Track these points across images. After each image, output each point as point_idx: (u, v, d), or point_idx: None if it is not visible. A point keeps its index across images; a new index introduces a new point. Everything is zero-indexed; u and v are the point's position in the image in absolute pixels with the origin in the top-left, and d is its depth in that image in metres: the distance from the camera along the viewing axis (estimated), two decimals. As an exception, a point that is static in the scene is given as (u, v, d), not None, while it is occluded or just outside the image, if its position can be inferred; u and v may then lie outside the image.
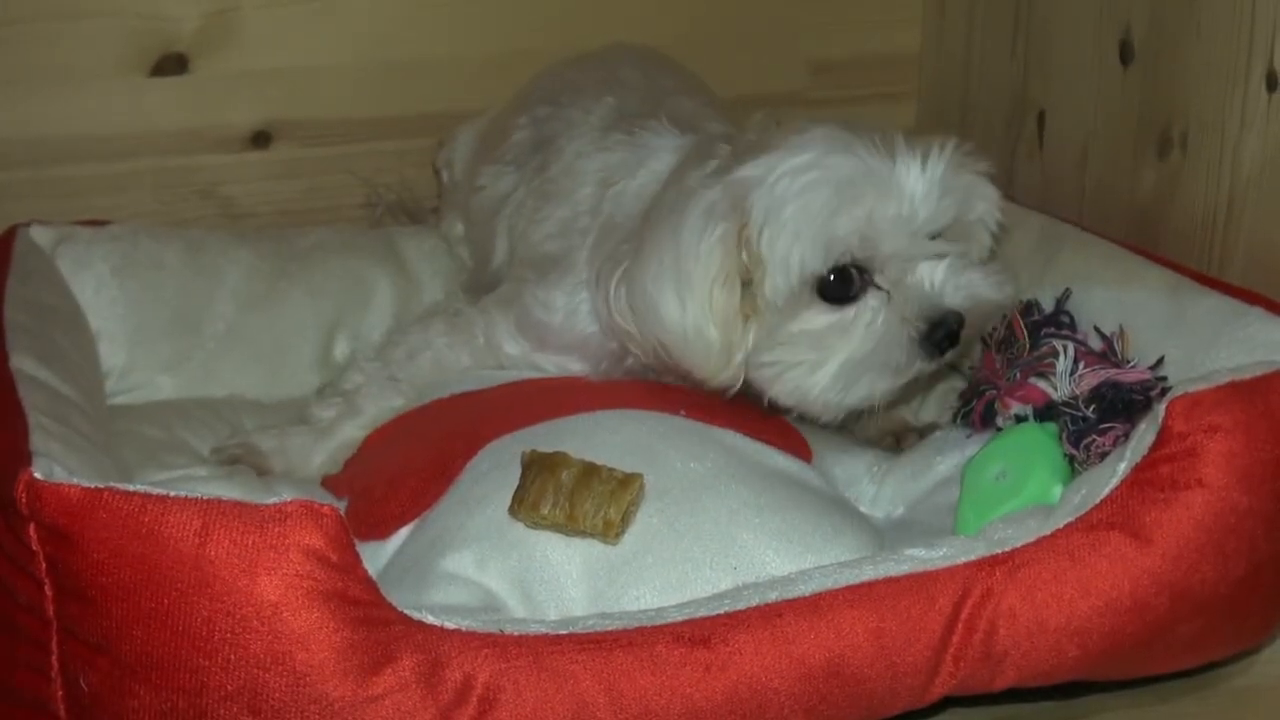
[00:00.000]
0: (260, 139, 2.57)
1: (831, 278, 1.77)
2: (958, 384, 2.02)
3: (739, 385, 1.82)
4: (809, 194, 1.75)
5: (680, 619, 1.45)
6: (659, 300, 1.77)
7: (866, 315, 1.78)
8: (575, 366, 1.98)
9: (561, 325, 1.96)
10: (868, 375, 1.78)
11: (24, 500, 1.33)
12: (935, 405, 2.08)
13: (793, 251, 1.75)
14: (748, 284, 1.78)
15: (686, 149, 1.95)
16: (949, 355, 1.82)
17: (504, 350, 2.01)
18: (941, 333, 1.78)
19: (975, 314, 1.82)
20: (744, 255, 1.77)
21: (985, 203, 1.86)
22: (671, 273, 1.76)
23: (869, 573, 1.49)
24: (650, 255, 1.79)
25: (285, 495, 1.35)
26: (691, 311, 1.76)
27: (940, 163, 1.77)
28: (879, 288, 1.78)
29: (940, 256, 1.80)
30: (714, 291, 1.76)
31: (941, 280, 1.79)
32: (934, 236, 1.80)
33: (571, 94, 2.20)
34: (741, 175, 1.78)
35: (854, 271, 1.77)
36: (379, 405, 1.98)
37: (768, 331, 1.78)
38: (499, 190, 2.21)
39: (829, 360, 1.78)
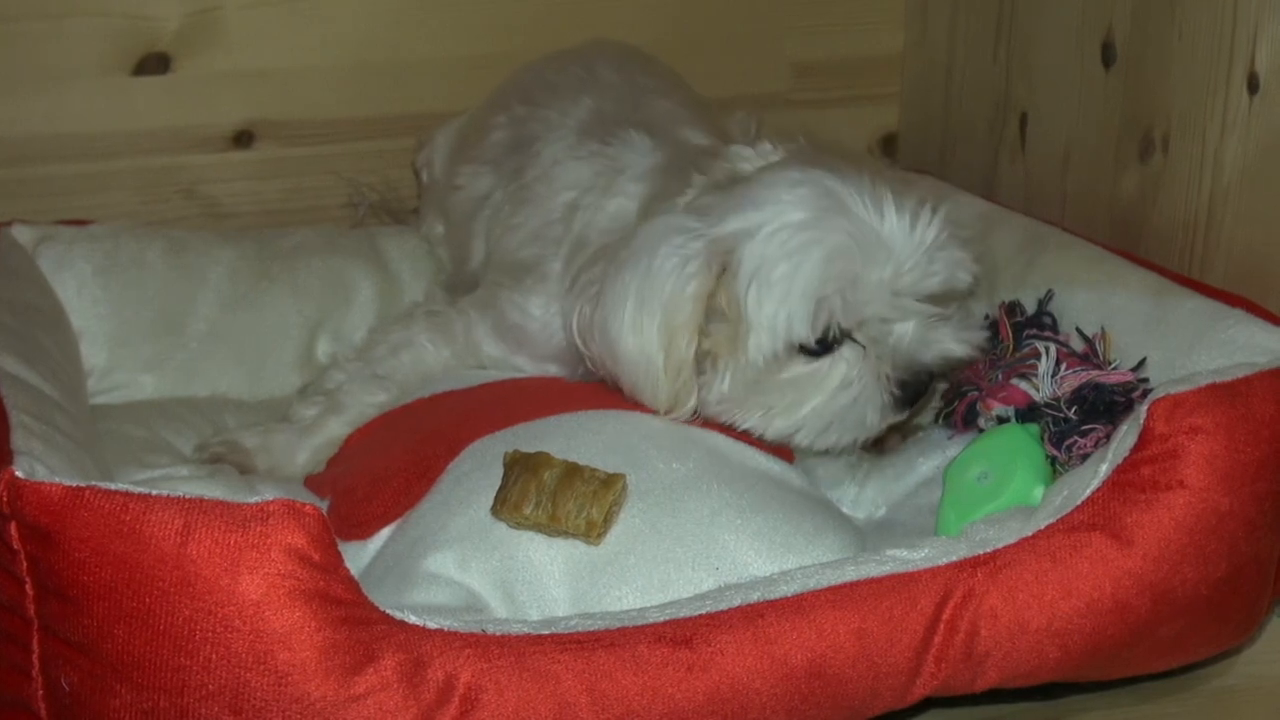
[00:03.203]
0: (243, 139, 2.57)
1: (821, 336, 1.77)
2: (940, 384, 2.02)
3: (689, 418, 1.80)
4: (800, 256, 1.73)
5: (662, 619, 1.45)
6: (618, 338, 1.77)
7: (841, 367, 1.78)
8: (554, 369, 1.98)
9: (538, 333, 1.96)
10: (839, 428, 1.79)
11: (5, 499, 1.32)
12: (917, 407, 2.09)
13: (779, 314, 1.74)
14: (718, 321, 1.78)
15: (659, 169, 1.95)
16: (916, 406, 1.83)
17: (483, 350, 2.01)
18: (913, 391, 1.79)
19: (946, 367, 1.84)
20: (723, 302, 1.76)
21: (967, 274, 1.84)
22: (634, 315, 1.75)
23: (851, 573, 1.49)
24: (616, 291, 1.77)
25: (267, 494, 1.35)
26: (647, 357, 1.76)
27: (930, 228, 1.77)
28: (855, 341, 1.78)
29: (917, 315, 1.80)
30: (673, 343, 1.75)
31: (917, 338, 1.79)
32: (920, 299, 1.80)
33: (548, 93, 2.20)
34: (729, 230, 1.76)
35: (834, 328, 1.77)
36: (362, 402, 1.98)
37: (741, 377, 1.78)
38: (477, 190, 2.21)
39: (801, 406, 1.78)
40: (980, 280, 1.90)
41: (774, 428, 1.79)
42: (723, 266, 1.75)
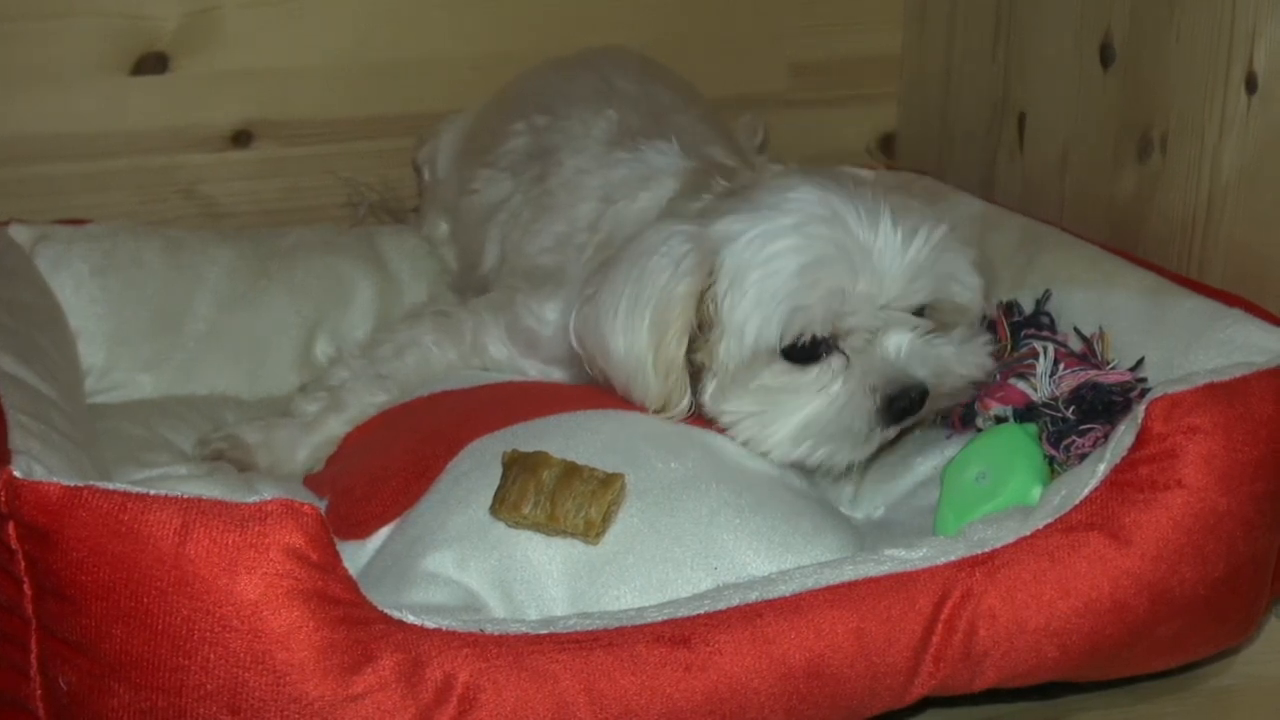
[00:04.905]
0: (241, 138, 2.57)
1: (795, 344, 1.75)
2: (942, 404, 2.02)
3: (684, 418, 1.80)
4: (774, 264, 1.73)
5: (661, 619, 1.45)
6: (609, 336, 1.77)
7: (826, 378, 1.77)
8: (559, 375, 1.98)
9: (551, 338, 1.96)
10: (827, 443, 1.77)
11: (3, 498, 1.32)
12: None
13: (750, 320, 1.74)
14: (706, 330, 1.78)
15: (688, 172, 1.96)
16: (907, 422, 1.80)
17: (489, 352, 2.01)
18: (901, 404, 1.77)
19: (943, 386, 1.80)
20: (710, 308, 1.76)
21: (967, 288, 1.84)
22: (625, 314, 1.76)
23: (849, 573, 1.49)
24: (611, 290, 1.78)
25: (266, 494, 1.35)
26: (636, 356, 1.76)
27: (924, 246, 1.76)
28: (843, 353, 1.77)
29: (911, 328, 1.78)
30: (662, 343, 1.75)
31: (907, 352, 1.78)
32: (916, 313, 1.79)
33: (568, 104, 2.20)
34: (718, 230, 1.77)
35: (821, 339, 1.76)
36: (363, 401, 1.98)
37: (725, 383, 1.78)
38: (493, 196, 2.20)
39: (785, 418, 1.77)
40: (986, 297, 1.88)
41: (767, 440, 1.77)
42: (710, 272, 1.76)
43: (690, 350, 1.78)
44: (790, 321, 1.73)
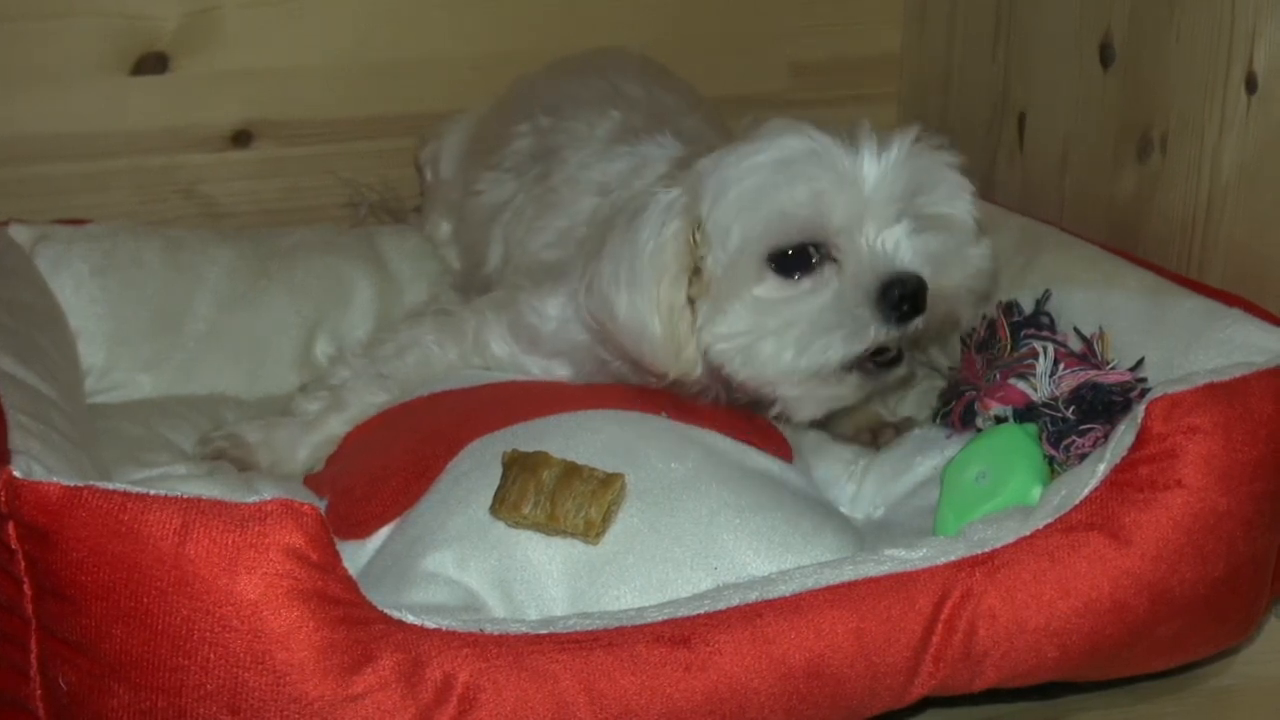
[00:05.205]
0: (241, 138, 2.57)
1: (788, 253, 1.76)
2: (938, 383, 2.02)
3: (697, 375, 1.81)
4: (753, 173, 1.76)
5: (660, 619, 1.45)
6: (613, 298, 1.79)
7: (819, 284, 1.77)
8: (561, 372, 1.98)
9: (554, 333, 1.96)
10: (822, 338, 1.75)
11: (3, 498, 1.32)
12: (912, 402, 2.09)
13: (735, 224, 1.76)
14: (699, 271, 1.79)
15: (684, 159, 1.96)
16: (913, 325, 1.77)
17: (491, 350, 2.01)
18: (897, 293, 1.74)
19: (941, 282, 1.79)
20: (695, 238, 1.78)
21: (951, 185, 1.84)
22: (626, 271, 1.78)
23: (849, 573, 1.49)
24: (609, 255, 1.80)
25: (265, 494, 1.35)
26: (639, 308, 1.77)
27: (900, 149, 1.77)
28: (834, 260, 1.77)
29: (900, 222, 1.78)
30: (660, 287, 1.77)
31: (896, 242, 1.77)
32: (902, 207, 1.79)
33: (573, 106, 2.21)
34: (698, 168, 1.81)
35: (810, 248, 1.76)
36: (364, 401, 1.98)
37: (718, 304, 1.78)
38: (498, 197, 2.21)
39: (781, 328, 1.77)
40: (975, 207, 1.87)
41: (761, 354, 1.77)
42: (695, 202, 1.78)
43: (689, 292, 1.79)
44: (772, 222, 1.75)
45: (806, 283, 1.77)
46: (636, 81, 2.28)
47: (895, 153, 1.77)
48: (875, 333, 1.76)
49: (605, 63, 2.38)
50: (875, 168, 1.76)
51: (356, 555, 1.67)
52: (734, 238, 1.76)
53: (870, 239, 1.76)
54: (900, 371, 1.83)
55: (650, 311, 1.77)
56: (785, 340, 1.76)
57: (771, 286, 1.77)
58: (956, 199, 1.85)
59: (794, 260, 1.77)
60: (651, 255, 1.77)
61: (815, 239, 1.76)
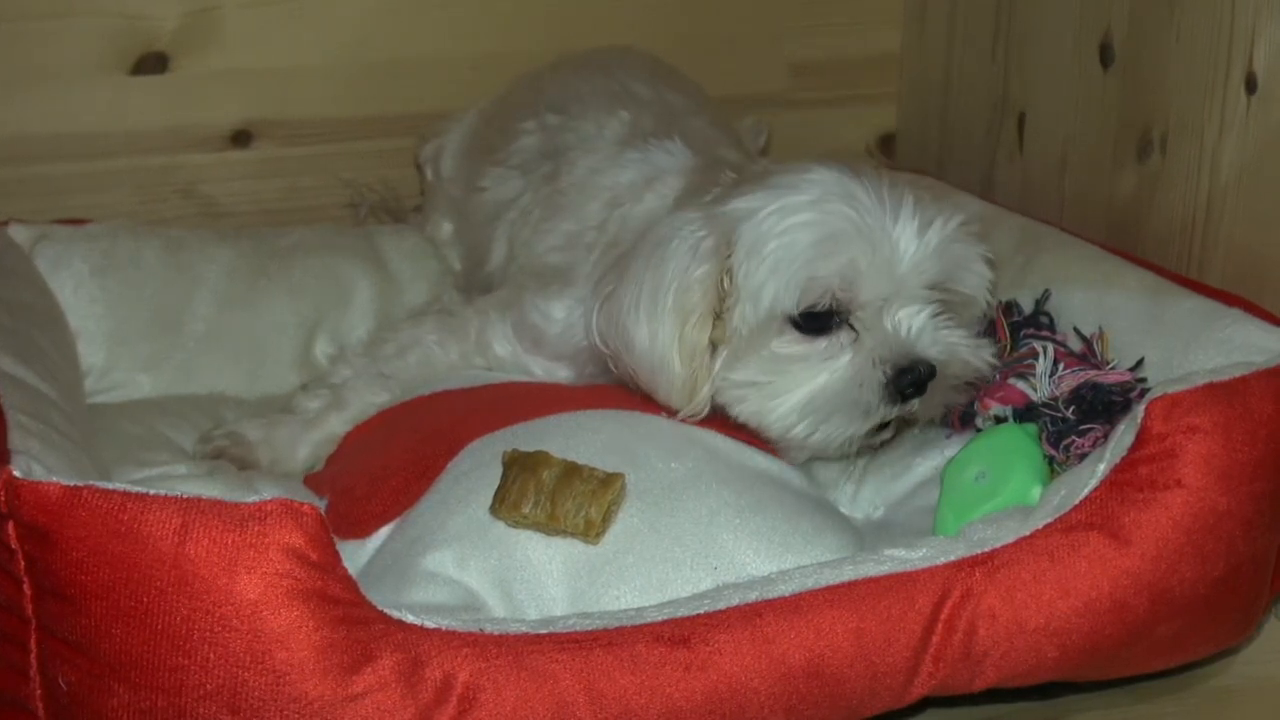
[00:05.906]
0: (241, 138, 2.57)
1: (808, 310, 1.76)
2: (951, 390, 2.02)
3: (704, 414, 1.81)
4: (794, 235, 1.75)
5: (660, 619, 1.45)
6: (632, 329, 1.78)
7: (835, 350, 1.77)
8: (563, 374, 1.98)
9: (558, 336, 1.96)
10: (833, 415, 1.77)
11: (3, 498, 1.32)
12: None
13: (766, 285, 1.75)
14: (721, 315, 1.79)
15: (695, 170, 1.96)
16: (912, 404, 1.79)
17: (493, 350, 2.01)
18: (909, 379, 1.76)
19: (950, 369, 1.80)
20: (725, 285, 1.77)
21: (978, 278, 1.85)
22: (648, 304, 1.77)
23: (849, 573, 1.49)
24: (631, 283, 1.79)
25: (265, 494, 1.35)
26: (660, 344, 1.76)
27: (940, 232, 1.77)
28: (853, 327, 1.78)
29: (924, 306, 1.79)
30: (685, 328, 1.76)
31: (919, 328, 1.78)
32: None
33: (581, 105, 2.21)
34: (733, 208, 1.79)
35: (834, 312, 1.77)
36: (365, 400, 1.98)
37: (736, 353, 1.78)
38: (503, 194, 2.21)
39: (793, 388, 1.77)
40: (993, 292, 1.89)
41: (771, 411, 1.78)
42: (727, 250, 1.76)
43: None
44: (807, 288, 1.74)
45: (823, 343, 1.78)
46: (644, 80, 2.28)
47: (934, 237, 1.77)
48: (880, 413, 1.78)
49: (612, 61, 2.37)
50: (912, 248, 1.76)
51: (356, 555, 1.66)
52: (766, 298, 1.75)
53: (894, 318, 1.78)
54: (886, 437, 1.84)
55: (671, 349, 1.76)
56: (793, 407, 1.77)
57: (789, 341, 1.78)
58: (981, 290, 1.86)
59: (815, 320, 1.77)
60: (678, 294, 1.76)
61: (841, 308, 1.77)
